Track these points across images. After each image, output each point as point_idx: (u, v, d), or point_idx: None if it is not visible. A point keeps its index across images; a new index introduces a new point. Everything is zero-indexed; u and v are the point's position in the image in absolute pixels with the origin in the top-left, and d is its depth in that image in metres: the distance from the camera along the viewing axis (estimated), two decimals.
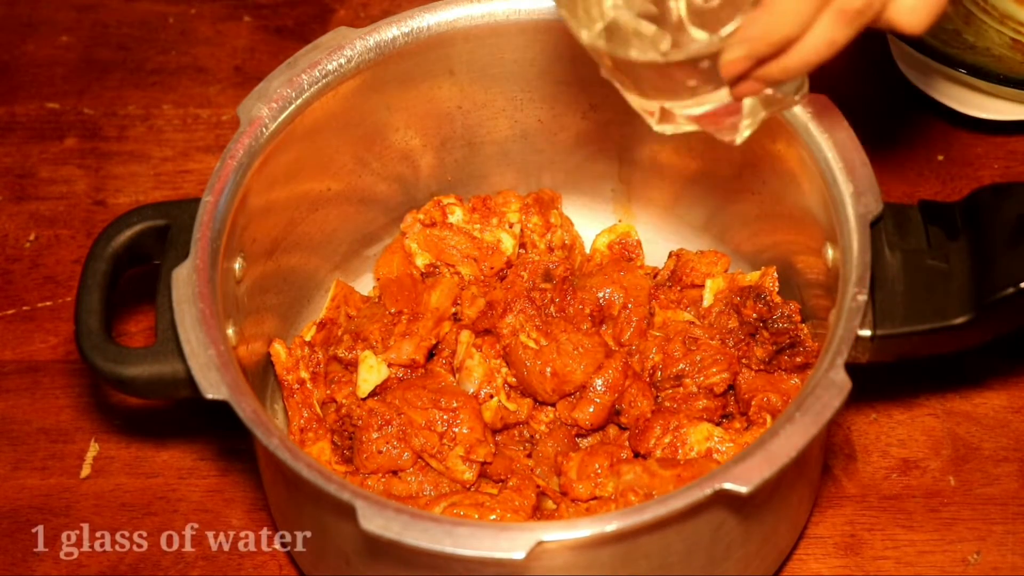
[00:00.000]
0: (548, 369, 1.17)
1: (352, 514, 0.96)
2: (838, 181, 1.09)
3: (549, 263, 1.25)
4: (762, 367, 1.18)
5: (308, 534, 1.10)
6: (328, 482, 0.98)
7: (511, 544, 0.94)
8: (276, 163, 1.16)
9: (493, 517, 1.10)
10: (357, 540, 1.02)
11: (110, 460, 1.26)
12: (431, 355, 1.21)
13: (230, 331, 1.09)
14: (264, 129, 1.14)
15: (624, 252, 1.29)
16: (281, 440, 1.00)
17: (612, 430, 1.20)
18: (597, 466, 1.12)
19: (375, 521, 0.96)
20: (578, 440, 1.19)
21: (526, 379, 1.18)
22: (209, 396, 1.02)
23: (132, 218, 1.12)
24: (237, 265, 1.13)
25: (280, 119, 1.15)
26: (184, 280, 1.06)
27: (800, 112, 1.12)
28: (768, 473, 0.96)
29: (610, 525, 0.96)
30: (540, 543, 0.94)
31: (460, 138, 1.29)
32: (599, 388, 1.17)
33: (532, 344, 1.17)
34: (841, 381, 1.00)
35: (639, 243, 1.29)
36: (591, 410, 1.17)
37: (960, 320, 1.05)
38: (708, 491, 0.96)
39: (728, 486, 0.96)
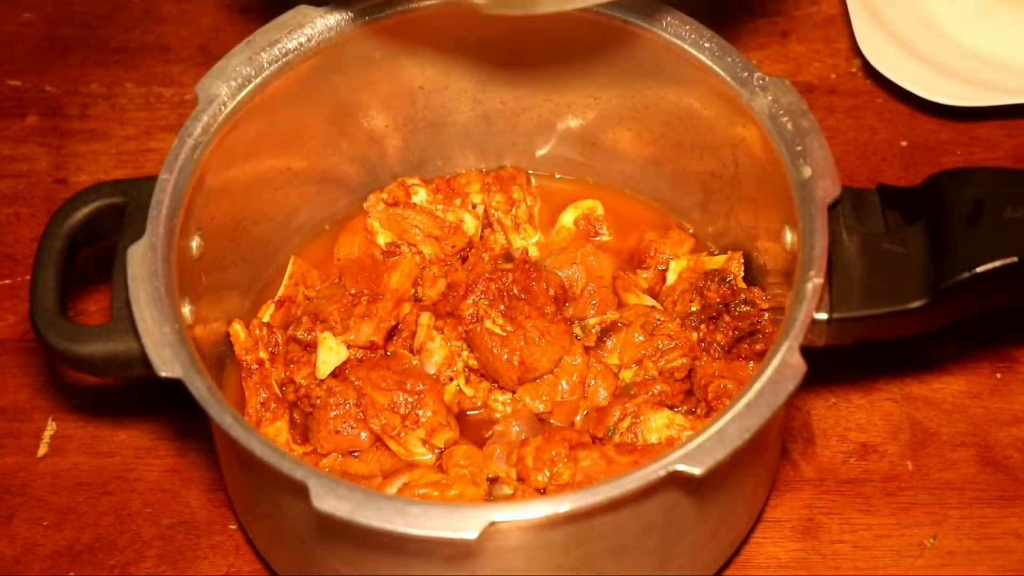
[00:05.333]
0: (516, 357, 1.16)
1: (305, 493, 0.96)
2: (796, 164, 1.09)
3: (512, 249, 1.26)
4: (721, 353, 1.18)
5: (264, 514, 1.09)
6: (281, 460, 0.98)
7: (463, 524, 0.94)
8: (235, 142, 1.16)
9: (454, 492, 1.10)
10: (311, 520, 1.01)
11: (67, 439, 1.26)
12: (390, 336, 1.21)
13: (186, 309, 1.08)
14: (223, 107, 1.14)
15: (590, 227, 1.29)
16: (235, 419, 1.00)
17: (573, 413, 1.19)
18: (554, 452, 1.12)
19: (328, 501, 0.95)
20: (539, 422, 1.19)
21: (491, 365, 1.18)
22: (163, 374, 1.01)
23: (89, 196, 1.12)
24: (195, 243, 1.13)
25: (239, 98, 1.15)
26: (139, 258, 1.05)
27: (760, 96, 1.12)
28: (721, 455, 0.96)
29: (563, 506, 0.96)
30: (492, 523, 0.94)
31: (423, 119, 1.29)
32: (562, 375, 1.17)
33: (498, 330, 1.17)
34: (796, 364, 1.00)
35: (603, 218, 1.29)
36: (555, 398, 1.17)
37: (916, 304, 1.05)
38: (661, 472, 0.96)
39: (681, 468, 0.96)
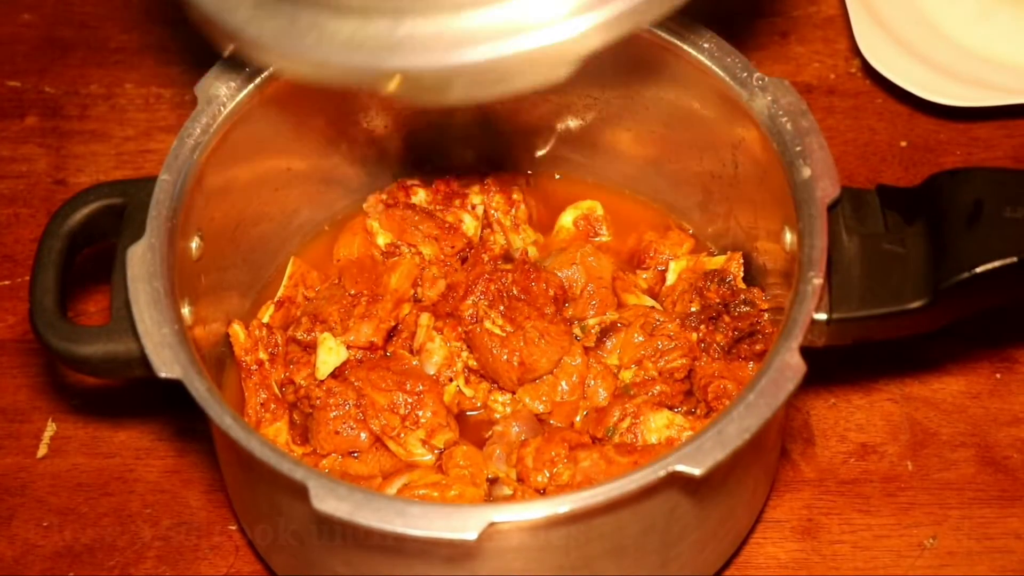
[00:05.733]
0: (516, 358, 1.16)
1: (305, 494, 0.96)
2: (796, 165, 1.09)
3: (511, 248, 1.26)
4: (721, 354, 1.18)
5: (263, 515, 1.09)
6: (281, 461, 0.98)
7: (463, 525, 0.94)
8: (235, 142, 1.15)
9: (453, 493, 1.10)
10: (310, 520, 1.01)
11: (67, 440, 1.26)
12: (389, 337, 1.21)
13: (185, 310, 1.08)
14: (222, 108, 1.14)
15: (590, 228, 1.29)
16: (234, 419, 1.00)
17: (572, 413, 1.19)
18: (554, 453, 1.12)
19: (327, 501, 0.95)
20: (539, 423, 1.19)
21: (491, 365, 1.18)
22: (163, 375, 1.01)
23: (89, 196, 1.12)
24: (194, 244, 1.13)
25: (239, 98, 1.15)
26: (139, 258, 1.05)
27: (760, 96, 1.12)
28: (721, 456, 0.96)
29: (563, 507, 0.96)
30: (492, 524, 0.94)
31: (422, 119, 1.29)
32: (562, 375, 1.17)
33: (498, 331, 1.17)
34: (796, 364, 1.00)
35: (603, 218, 1.29)
36: (555, 398, 1.17)
37: (916, 304, 1.05)
38: (661, 473, 0.96)
39: (681, 468, 0.96)
